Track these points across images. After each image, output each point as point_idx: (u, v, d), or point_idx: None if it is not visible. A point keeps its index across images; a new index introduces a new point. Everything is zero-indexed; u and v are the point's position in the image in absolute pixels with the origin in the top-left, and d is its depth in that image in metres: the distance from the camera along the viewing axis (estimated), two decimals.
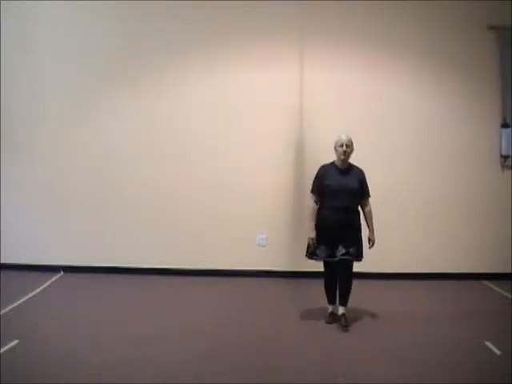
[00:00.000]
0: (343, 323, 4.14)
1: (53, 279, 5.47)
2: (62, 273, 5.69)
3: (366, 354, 3.64)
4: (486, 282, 5.52)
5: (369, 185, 4.29)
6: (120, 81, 5.71)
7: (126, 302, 4.83)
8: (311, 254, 4.26)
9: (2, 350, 3.54)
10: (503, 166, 5.68)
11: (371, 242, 4.24)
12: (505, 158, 5.65)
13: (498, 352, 3.63)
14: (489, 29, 5.57)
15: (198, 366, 3.40)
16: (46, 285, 5.26)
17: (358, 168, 4.29)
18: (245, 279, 5.54)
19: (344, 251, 4.12)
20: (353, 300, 4.48)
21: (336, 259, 4.16)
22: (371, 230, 4.25)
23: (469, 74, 5.64)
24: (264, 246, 5.71)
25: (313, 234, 4.21)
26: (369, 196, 4.29)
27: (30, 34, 5.71)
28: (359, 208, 4.27)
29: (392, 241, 5.56)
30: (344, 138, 4.18)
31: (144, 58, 5.68)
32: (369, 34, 5.60)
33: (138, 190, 5.73)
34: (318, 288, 5.26)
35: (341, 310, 4.23)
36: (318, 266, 5.63)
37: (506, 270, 5.54)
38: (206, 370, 3.34)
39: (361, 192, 4.22)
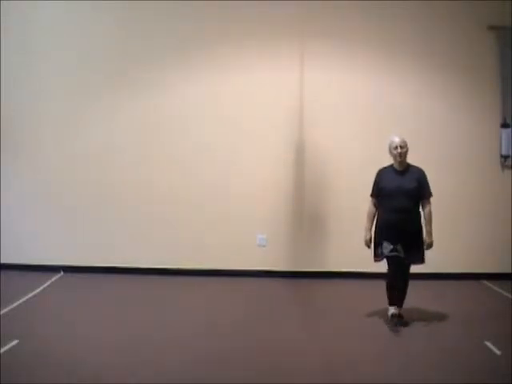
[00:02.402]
0: (399, 322, 4.15)
1: (53, 279, 5.47)
2: (61, 273, 5.69)
3: (366, 354, 3.64)
4: (485, 282, 5.52)
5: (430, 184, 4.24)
6: (120, 81, 5.71)
7: (125, 302, 4.83)
8: (377, 255, 4.23)
9: (2, 349, 3.53)
10: (503, 166, 5.68)
11: (426, 244, 4.19)
12: (505, 157, 5.65)
13: (498, 352, 3.63)
14: (489, 29, 5.57)
15: (197, 366, 3.40)
16: (46, 285, 5.26)
17: (416, 168, 4.26)
18: (245, 279, 5.54)
19: (403, 254, 4.12)
20: (353, 300, 4.49)
21: (400, 255, 4.12)
22: (428, 232, 4.18)
23: (469, 73, 5.64)
24: (264, 246, 5.71)
25: (367, 236, 4.25)
26: (429, 196, 4.22)
27: (30, 34, 5.71)
28: (420, 209, 4.22)
29: None
30: (397, 140, 4.19)
31: (144, 59, 5.68)
32: (369, 35, 5.60)
33: (138, 190, 5.73)
34: (318, 288, 5.26)
35: (398, 311, 4.21)
36: (317, 267, 5.67)
37: (506, 270, 5.54)
38: (206, 370, 3.34)
39: (420, 192, 4.17)
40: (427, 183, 4.22)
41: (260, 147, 5.68)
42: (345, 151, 5.59)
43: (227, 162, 5.71)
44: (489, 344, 3.76)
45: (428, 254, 5.59)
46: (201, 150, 5.70)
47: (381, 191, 4.24)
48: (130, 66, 5.69)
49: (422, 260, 4.21)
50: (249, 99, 5.66)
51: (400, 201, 4.12)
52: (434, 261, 5.61)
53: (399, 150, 4.16)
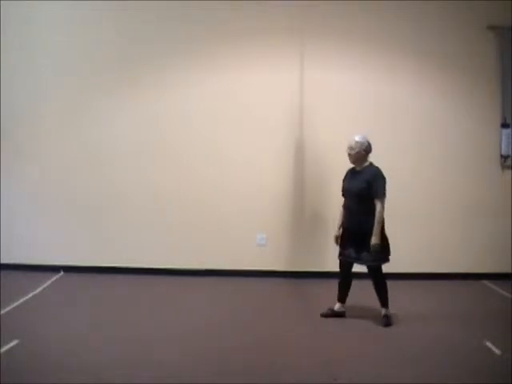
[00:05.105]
0: (384, 322, 4.20)
1: (53, 279, 5.47)
2: (61, 273, 5.69)
3: (366, 354, 3.64)
4: (486, 282, 5.52)
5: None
6: (120, 81, 5.70)
7: (125, 301, 4.83)
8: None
9: (2, 349, 3.54)
10: (503, 166, 5.67)
11: (371, 245, 4.02)
12: (505, 158, 5.64)
13: (497, 352, 3.63)
14: (489, 29, 5.57)
15: (197, 367, 3.41)
16: (45, 285, 5.26)
17: (372, 168, 4.23)
18: (245, 279, 5.54)
19: (355, 256, 4.17)
20: (353, 300, 4.49)
21: (348, 259, 4.23)
22: (372, 233, 4.02)
23: (468, 73, 5.64)
24: (264, 246, 5.71)
25: (336, 233, 4.36)
26: (379, 197, 4.08)
27: (29, 34, 5.70)
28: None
29: (391, 240, 5.57)
30: (349, 143, 4.24)
31: (144, 59, 5.68)
32: (369, 34, 5.60)
33: (138, 190, 5.73)
34: (318, 288, 5.26)
35: (382, 312, 4.27)
36: (317, 266, 5.67)
37: (506, 269, 5.53)
38: (206, 371, 3.34)
39: (370, 193, 4.12)
40: (379, 183, 4.11)
41: (260, 147, 5.68)
42: (345, 151, 5.58)
43: (227, 162, 5.70)
44: (489, 344, 3.76)
45: (429, 253, 5.65)
46: (201, 150, 5.70)
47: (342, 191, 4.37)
48: (131, 66, 5.69)
49: (380, 261, 4.15)
50: (249, 99, 5.66)
51: (350, 202, 4.22)
52: (435, 261, 5.67)
53: (348, 152, 4.23)
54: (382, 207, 4.09)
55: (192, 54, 5.66)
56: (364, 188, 4.13)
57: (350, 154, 4.24)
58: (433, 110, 5.66)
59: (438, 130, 5.67)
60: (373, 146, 5.51)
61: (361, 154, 4.22)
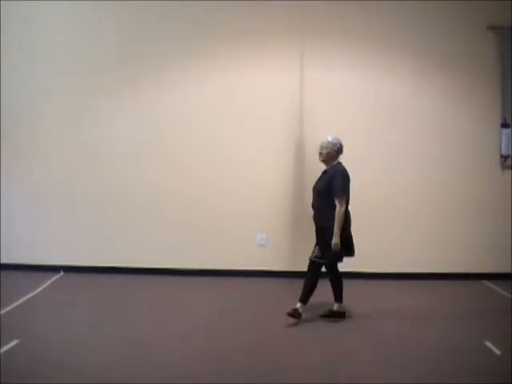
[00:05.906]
0: (326, 314, 4.34)
1: (53, 279, 5.47)
2: (61, 273, 5.69)
3: (366, 354, 3.64)
4: (485, 282, 5.52)
5: (340, 184, 4.13)
6: (120, 81, 5.70)
7: (125, 302, 4.83)
8: None
9: (2, 349, 3.54)
10: (503, 166, 5.67)
11: (331, 244, 4.05)
12: (505, 158, 5.64)
13: (497, 352, 3.63)
14: (489, 29, 5.57)
15: (197, 367, 3.41)
16: (45, 285, 5.26)
17: (337, 167, 4.24)
18: (245, 279, 5.54)
19: (314, 251, 4.27)
20: (352, 299, 4.49)
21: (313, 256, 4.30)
22: (333, 233, 4.04)
23: (469, 73, 5.64)
24: (264, 246, 5.71)
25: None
26: (337, 196, 4.08)
27: (29, 34, 5.71)
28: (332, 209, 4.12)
29: (391, 240, 5.58)
30: (321, 142, 4.31)
31: (144, 59, 5.68)
32: (369, 34, 5.60)
33: (138, 190, 5.73)
34: (318, 288, 5.25)
35: (334, 307, 4.37)
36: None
37: (506, 269, 5.54)
38: (206, 371, 3.34)
39: (329, 191, 4.12)
40: (338, 181, 4.11)
41: (260, 147, 5.68)
42: (344, 151, 5.58)
43: (227, 162, 5.70)
44: (489, 344, 3.77)
45: (428, 253, 5.64)
46: (201, 150, 5.70)
47: None
48: (131, 66, 5.69)
49: (322, 258, 4.18)
50: (249, 99, 5.66)
51: (313, 200, 4.31)
52: (434, 261, 5.67)
53: (319, 151, 4.30)
54: (341, 206, 4.06)
55: (192, 54, 5.66)
56: (323, 186, 4.19)
57: (320, 153, 4.29)
58: (433, 110, 5.66)
59: (438, 130, 5.67)
60: (372, 146, 5.56)
61: (331, 154, 4.27)
